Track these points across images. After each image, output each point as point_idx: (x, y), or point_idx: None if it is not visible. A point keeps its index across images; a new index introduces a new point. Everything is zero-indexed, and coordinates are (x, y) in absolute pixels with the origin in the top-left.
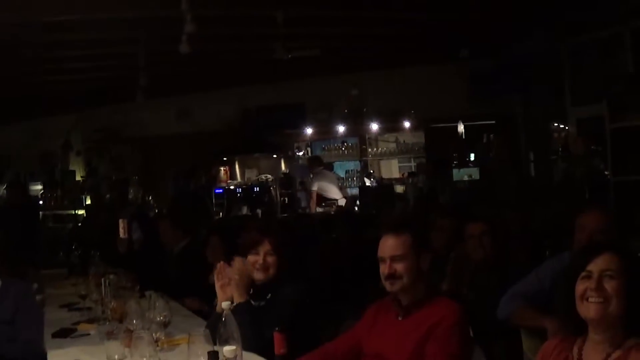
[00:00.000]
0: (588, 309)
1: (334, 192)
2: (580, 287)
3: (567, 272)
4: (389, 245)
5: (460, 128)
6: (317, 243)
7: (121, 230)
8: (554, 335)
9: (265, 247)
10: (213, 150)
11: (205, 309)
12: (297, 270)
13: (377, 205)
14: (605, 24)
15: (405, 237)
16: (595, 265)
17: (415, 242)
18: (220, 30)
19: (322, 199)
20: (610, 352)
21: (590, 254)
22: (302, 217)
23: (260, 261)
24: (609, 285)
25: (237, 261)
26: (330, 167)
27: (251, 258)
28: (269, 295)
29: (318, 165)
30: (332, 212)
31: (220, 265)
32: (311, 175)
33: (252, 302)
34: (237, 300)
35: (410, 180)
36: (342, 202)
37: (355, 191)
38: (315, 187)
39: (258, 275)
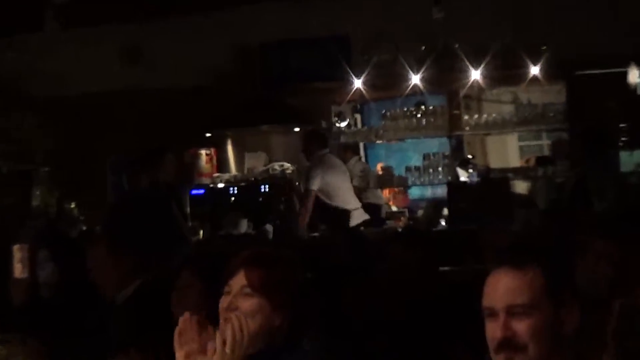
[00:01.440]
0: None
1: (345, 196)
2: None
3: None
4: (504, 288)
5: (634, 76)
6: (368, 279)
7: (17, 266)
8: None
9: (240, 281)
10: (187, 120)
11: None
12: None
13: (480, 216)
14: None
15: (533, 273)
16: None
17: (552, 283)
18: None
19: (322, 210)
20: None
21: None
22: (344, 236)
23: (225, 305)
24: None
25: (234, 319)
26: (355, 150)
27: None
28: None
29: (320, 146)
30: (399, 229)
31: (186, 318)
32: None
33: None
34: None
35: (540, 171)
36: (358, 214)
37: (440, 191)
38: (314, 186)
39: None
